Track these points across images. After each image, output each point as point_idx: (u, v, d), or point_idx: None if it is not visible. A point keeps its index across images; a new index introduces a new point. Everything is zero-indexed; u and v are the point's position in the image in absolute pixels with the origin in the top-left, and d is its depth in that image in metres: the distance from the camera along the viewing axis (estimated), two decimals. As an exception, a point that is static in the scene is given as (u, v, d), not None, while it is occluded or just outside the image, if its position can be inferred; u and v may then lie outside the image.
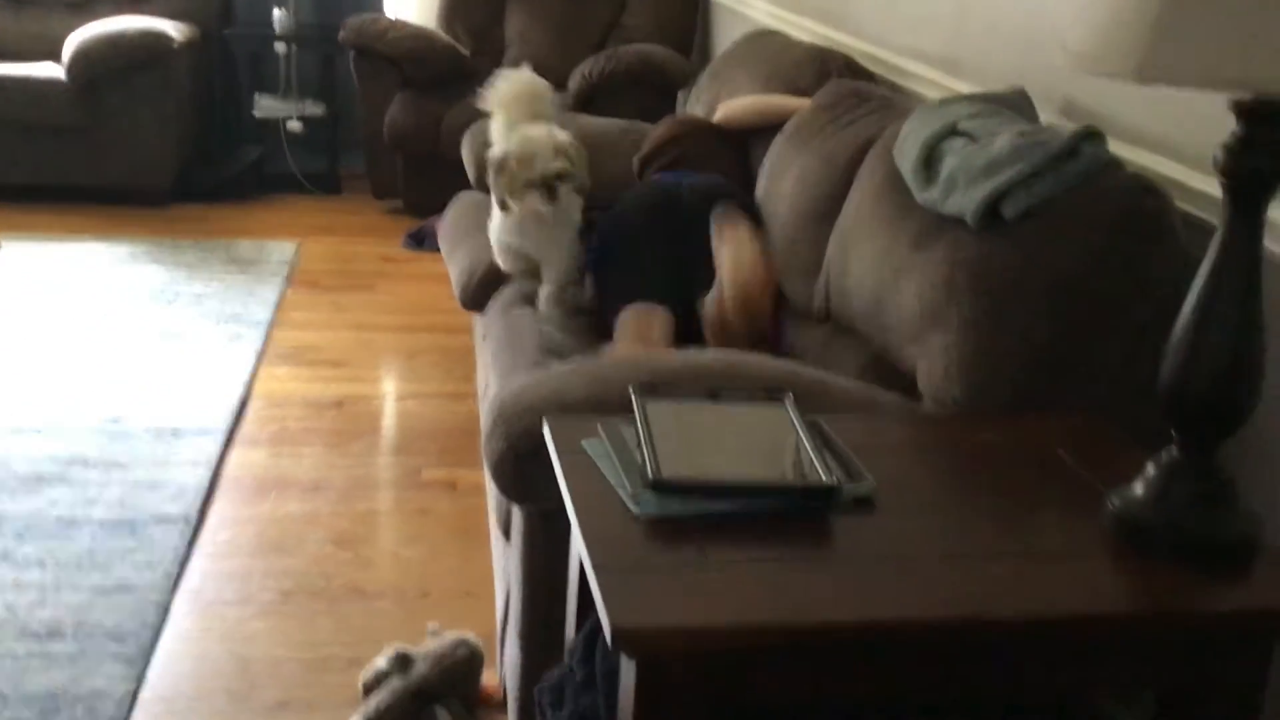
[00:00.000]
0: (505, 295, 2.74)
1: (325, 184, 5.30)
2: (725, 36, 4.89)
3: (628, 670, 1.17)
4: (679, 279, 2.52)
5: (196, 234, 4.59)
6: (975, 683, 1.26)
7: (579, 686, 1.39)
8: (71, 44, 4.71)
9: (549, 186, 2.55)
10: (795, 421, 1.46)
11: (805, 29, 3.70)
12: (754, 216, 2.67)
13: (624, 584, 1.17)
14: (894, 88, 2.94)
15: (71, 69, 4.66)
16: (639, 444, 1.39)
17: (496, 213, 2.69)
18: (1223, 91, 1.16)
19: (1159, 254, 1.68)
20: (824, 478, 1.32)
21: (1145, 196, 1.72)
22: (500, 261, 2.76)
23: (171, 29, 4.85)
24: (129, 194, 4.86)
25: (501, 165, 2.57)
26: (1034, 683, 1.28)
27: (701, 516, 1.29)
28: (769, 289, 2.44)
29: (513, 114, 2.79)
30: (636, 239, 2.60)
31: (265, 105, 5.19)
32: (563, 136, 2.60)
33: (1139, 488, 1.32)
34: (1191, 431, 1.29)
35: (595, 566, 1.19)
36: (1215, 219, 1.32)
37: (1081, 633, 1.23)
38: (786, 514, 1.32)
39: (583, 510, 1.31)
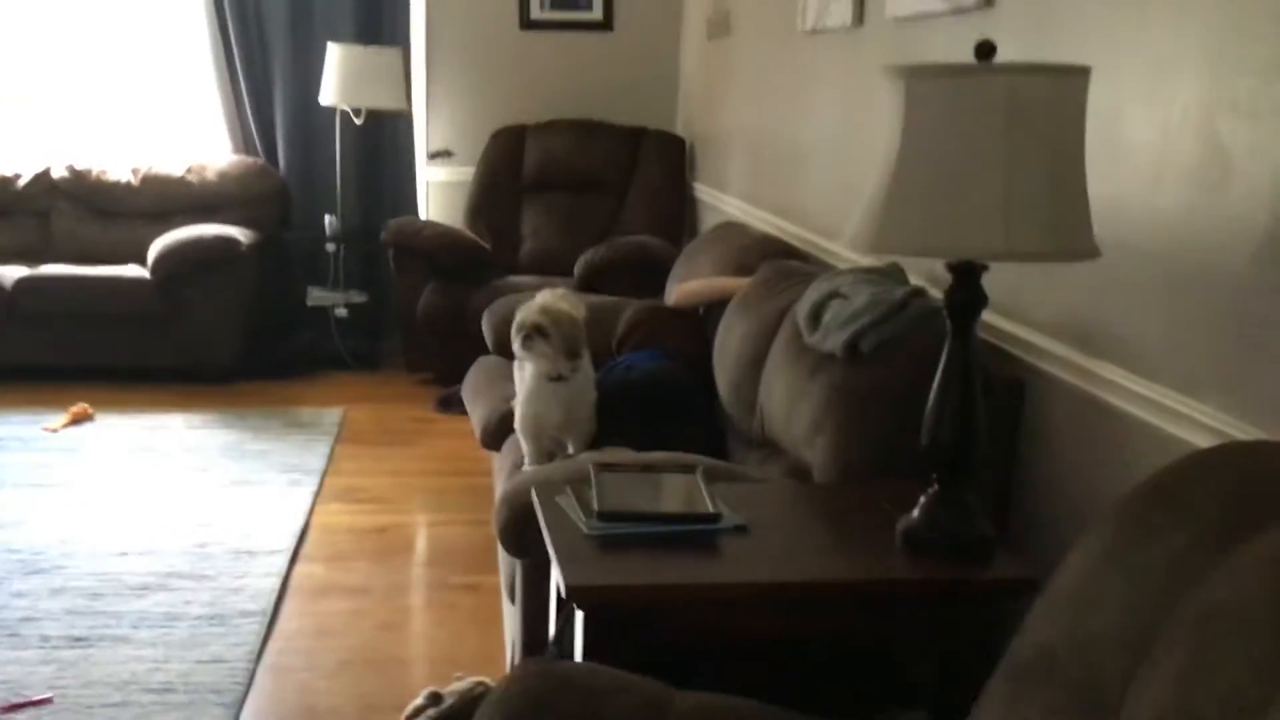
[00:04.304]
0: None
1: (367, 361, 6.12)
2: (708, 226, 5.74)
3: (579, 621, 1.86)
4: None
5: (259, 404, 5.38)
6: (813, 631, 1.95)
7: (554, 657, 2.07)
8: (156, 247, 5.60)
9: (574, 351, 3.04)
10: (700, 482, 2.17)
11: (763, 220, 4.53)
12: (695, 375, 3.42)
13: (576, 564, 1.87)
14: (822, 263, 3.72)
15: (155, 268, 5.54)
16: (591, 495, 2.10)
17: (531, 385, 3.07)
18: (933, 257, 1.90)
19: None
20: (710, 508, 2.03)
21: (954, 332, 2.46)
22: (529, 440, 3.07)
23: (239, 234, 5.75)
24: (200, 373, 5.68)
25: (571, 325, 3.01)
26: (857, 631, 1.97)
27: (629, 537, 1.99)
28: None
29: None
30: (607, 421, 3.20)
31: (317, 295, 6.06)
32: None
33: (916, 512, 2.01)
34: (943, 472, 1.99)
35: (558, 557, 1.89)
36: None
37: (882, 593, 1.93)
38: (687, 536, 2.02)
39: (553, 531, 2.01)
